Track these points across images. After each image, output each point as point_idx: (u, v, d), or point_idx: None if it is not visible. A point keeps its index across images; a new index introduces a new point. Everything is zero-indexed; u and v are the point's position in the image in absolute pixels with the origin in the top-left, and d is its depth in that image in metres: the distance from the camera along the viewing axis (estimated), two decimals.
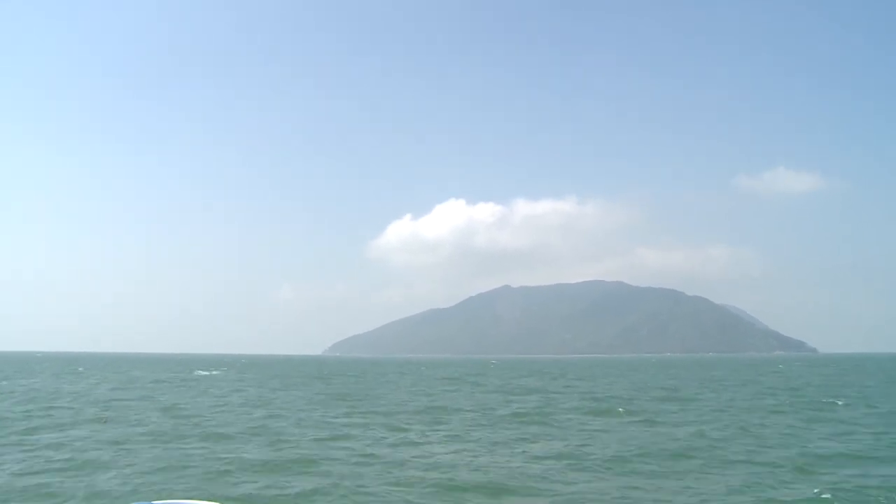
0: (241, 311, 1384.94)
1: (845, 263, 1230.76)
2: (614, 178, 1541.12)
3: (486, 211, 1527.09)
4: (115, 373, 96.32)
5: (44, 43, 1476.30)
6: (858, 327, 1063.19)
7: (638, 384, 69.79)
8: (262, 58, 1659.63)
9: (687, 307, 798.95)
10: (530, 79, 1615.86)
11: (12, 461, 21.57)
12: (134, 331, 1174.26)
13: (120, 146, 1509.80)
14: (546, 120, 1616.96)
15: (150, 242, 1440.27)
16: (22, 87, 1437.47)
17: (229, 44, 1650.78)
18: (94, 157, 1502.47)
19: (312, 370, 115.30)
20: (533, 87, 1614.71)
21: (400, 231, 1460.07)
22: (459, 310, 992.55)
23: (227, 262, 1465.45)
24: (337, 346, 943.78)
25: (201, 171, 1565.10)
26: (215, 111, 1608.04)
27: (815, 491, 17.27)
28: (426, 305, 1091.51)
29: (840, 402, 42.68)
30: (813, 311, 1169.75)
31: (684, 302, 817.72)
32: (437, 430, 29.85)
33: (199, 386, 64.58)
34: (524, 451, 24.01)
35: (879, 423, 31.73)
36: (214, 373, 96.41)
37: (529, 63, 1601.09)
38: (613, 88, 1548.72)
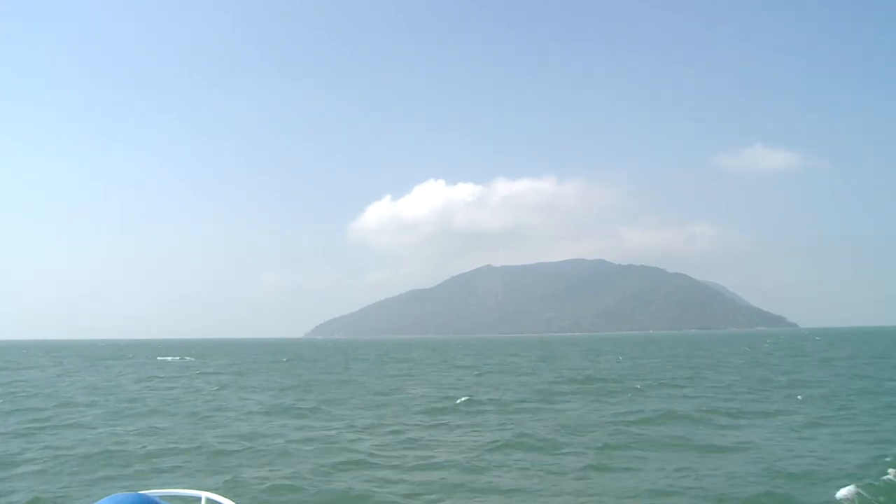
0: (227, 297, 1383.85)
1: (824, 240, 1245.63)
2: (593, 158, 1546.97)
3: (466, 191, 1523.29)
4: (80, 361, 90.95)
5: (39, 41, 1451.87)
6: (837, 302, 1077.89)
7: (637, 364, 65.72)
8: (241, 49, 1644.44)
9: (669, 284, 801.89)
10: (509, 60, 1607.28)
11: None
12: (123, 318, 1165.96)
13: (106, 137, 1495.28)
14: (523, 101, 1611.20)
15: (136, 232, 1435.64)
16: (20, 87, 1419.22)
17: (209, 36, 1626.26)
18: (82, 150, 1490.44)
19: (278, 355, 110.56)
20: (511, 68, 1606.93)
21: (379, 212, 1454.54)
22: (441, 290, 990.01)
23: (213, 250, 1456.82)
24: (319, 329, 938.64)
25: (185, 164, 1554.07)
26: (198, 103, 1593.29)
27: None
28: (408, 286, 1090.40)
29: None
30: (793, 287, 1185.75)
31: (666, 279, 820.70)
32: (384, 419, 25.12)
33: (151, 372, 59.75)
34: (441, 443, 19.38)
35: None
36: (188, 359, 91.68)
37: (508, 44, 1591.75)
38: (591, 69, 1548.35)
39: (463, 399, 32.30)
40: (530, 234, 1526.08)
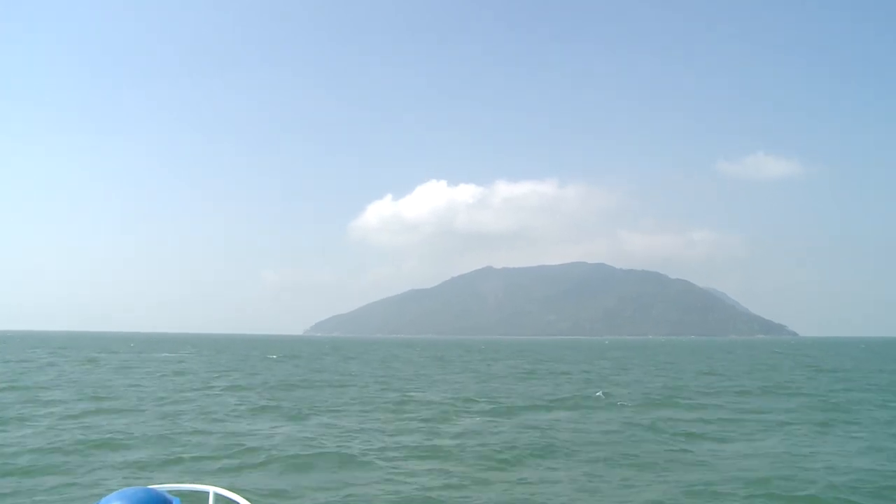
0: (227, 294, 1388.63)
1: (825, 248, 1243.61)
2: (594, 161, 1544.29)
3: (468, 192, 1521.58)
4: (72, 353, 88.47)
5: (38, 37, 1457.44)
6: (838, 312, 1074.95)
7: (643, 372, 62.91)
8: (241, 49, 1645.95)
9: (670, 290, 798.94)
10: (509, 60, 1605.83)
11: None
12: (124, 314, 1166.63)
13: (106, 137, 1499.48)
14: (523, 101, 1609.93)
15: (136, 231, 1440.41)
16: (20, 87, 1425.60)
17: (209, 35, 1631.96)
18: (82, 150, 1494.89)
19: (271, 352, 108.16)
20: (511, 68, 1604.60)
21: (381, 211, 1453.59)
22: (442, 290, 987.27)
23: (213, 249, 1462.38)
24: (318, 326, 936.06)
25: (185, 163, 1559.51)
26: (198, 102, 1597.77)
27: None
28: (408, 285, 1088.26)
29: None
30: (794, 296, 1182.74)
31: (667, 284, 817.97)
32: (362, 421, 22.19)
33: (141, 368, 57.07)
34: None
35: None
36: (181, 354, 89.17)
37: (508, 44, 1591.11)
38: (593, 72, 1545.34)
39: (467, 402, 29.48)
40: (532, 237, 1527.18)
